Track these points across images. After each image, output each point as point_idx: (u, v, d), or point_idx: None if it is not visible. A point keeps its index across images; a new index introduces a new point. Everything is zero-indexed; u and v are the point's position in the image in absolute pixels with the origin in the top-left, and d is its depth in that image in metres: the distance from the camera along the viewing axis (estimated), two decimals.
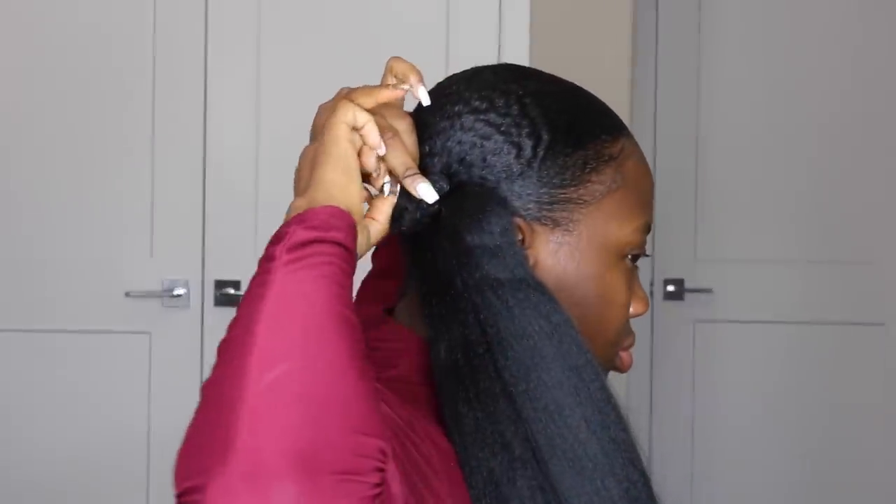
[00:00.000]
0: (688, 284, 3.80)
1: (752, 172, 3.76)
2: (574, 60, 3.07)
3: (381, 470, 0.82)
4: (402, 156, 0.96)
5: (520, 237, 0.99)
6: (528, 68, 1.07)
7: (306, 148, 0.97)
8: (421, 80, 1.00)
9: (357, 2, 3.18)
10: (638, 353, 4.15)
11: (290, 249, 0.86)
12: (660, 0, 3.82)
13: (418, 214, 0.98)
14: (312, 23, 3.17)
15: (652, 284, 3.79)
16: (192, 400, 0.85)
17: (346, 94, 0.98)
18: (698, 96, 3.80)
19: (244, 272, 3.11)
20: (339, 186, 0.91)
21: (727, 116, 3.78)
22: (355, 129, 0.93)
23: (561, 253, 1.00)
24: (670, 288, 3.78)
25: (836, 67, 3.72)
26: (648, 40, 3.78)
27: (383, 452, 0.83)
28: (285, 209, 0.94)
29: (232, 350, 0.83)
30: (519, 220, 0.99)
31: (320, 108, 1.01)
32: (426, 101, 1.01)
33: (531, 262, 0.99)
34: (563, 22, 3.19)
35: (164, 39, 3.15)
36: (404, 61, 1.02)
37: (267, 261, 0.87)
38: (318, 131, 0.98)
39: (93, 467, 3.15)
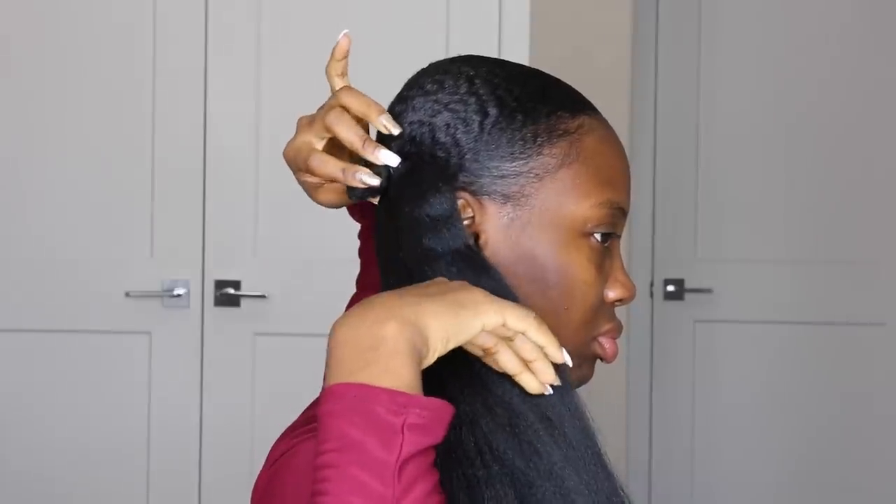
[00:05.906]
0: (688, 284, 3.79)
1: (752, 172, 3.76)
2: (574, 60, 3.07)
3: None
4: (354, 127, 0.99)
5: (470, 214, 1.00)
6: (492, 57, 1.07)
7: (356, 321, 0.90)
8: (381, 112, 1.00)
9: (357, 2, 3.18)
10: (638, 353, 4.15)
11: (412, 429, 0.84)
12: (660, 0, 3.82)
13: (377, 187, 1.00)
14: (312, 22, 3.17)
15: (652, 284, 3.79)
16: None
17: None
18: (698, 96, 3.79)
19: (244, 272, 3.11)
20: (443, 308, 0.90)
21: (727, 117, 3.78)
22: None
23: (512, 228, 1.00)
24: (670, 288, 3.78)
25: (837, 67, 3.71)
26: (648, 40, 3.77)
27: None
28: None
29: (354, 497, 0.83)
30: (466, 196, 1.00)
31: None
32: (395, 130, 1.00)
33: (482, 238, 1.00)
34: (563, 22, 3.19)
35: (164, 39, 3.15)
36: (358, 97, 1.01)
37: (391, 433, 0.84)
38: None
39: (93, 467, 3.15)
